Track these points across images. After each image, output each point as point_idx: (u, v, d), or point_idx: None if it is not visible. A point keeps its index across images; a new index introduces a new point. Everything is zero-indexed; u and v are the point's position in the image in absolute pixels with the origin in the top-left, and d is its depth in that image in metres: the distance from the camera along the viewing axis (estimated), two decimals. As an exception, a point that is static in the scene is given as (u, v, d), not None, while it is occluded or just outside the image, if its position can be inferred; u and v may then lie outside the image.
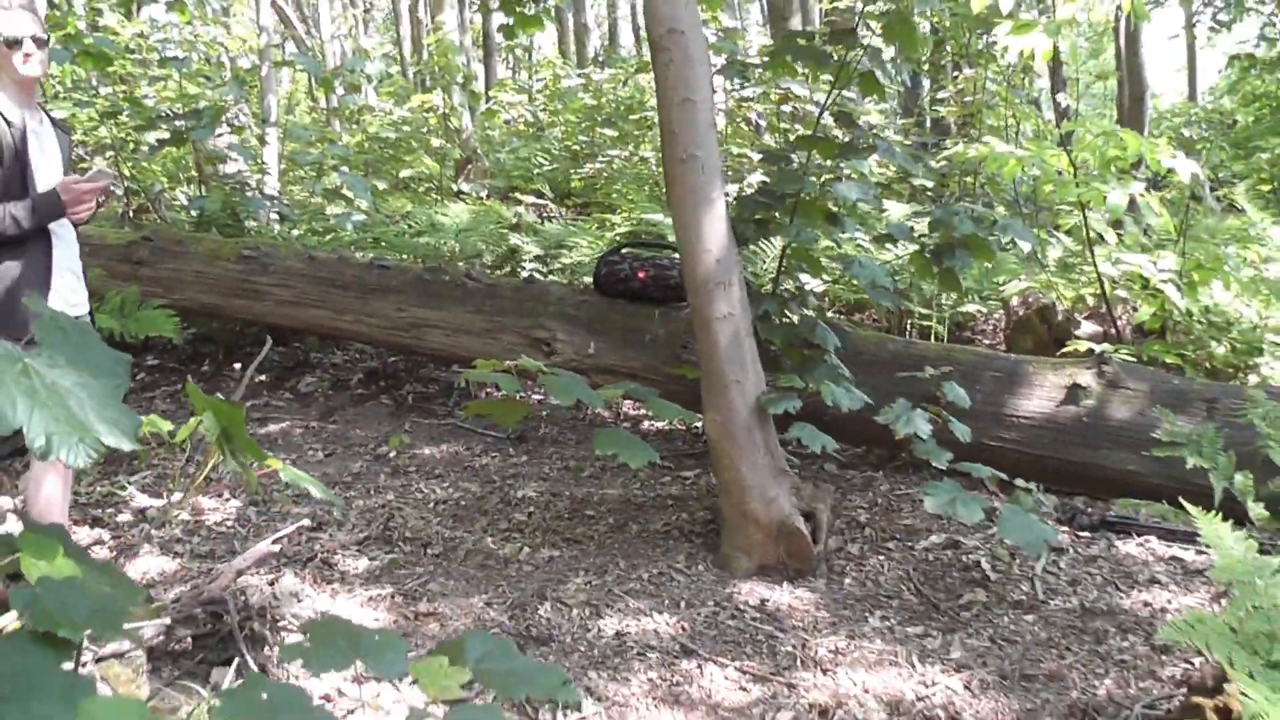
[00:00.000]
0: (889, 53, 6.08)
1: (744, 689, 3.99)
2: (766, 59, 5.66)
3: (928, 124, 15.14)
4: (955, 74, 13.20)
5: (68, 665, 1.47)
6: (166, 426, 3.17)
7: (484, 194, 12.81)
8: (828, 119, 5.96)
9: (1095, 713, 3.76)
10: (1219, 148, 14.37)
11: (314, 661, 1.64)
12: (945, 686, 3.97)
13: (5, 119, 4.19)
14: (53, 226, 4.27)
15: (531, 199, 12.79)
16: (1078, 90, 16.81)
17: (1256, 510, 4.33)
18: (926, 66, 16.24)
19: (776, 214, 5.44)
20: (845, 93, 5.94)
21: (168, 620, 3.84)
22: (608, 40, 26.55)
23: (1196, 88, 20.82)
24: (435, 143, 14.55)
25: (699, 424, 5.85)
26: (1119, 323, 7.56)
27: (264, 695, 1.46)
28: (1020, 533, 4.38)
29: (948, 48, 13.83)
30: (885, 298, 5.61)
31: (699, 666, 4.13)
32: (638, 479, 6.14)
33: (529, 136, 15.58)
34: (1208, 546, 3.01)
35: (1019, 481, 4.88)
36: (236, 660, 3.73)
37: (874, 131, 5.56)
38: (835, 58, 5.37)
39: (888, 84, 17.43)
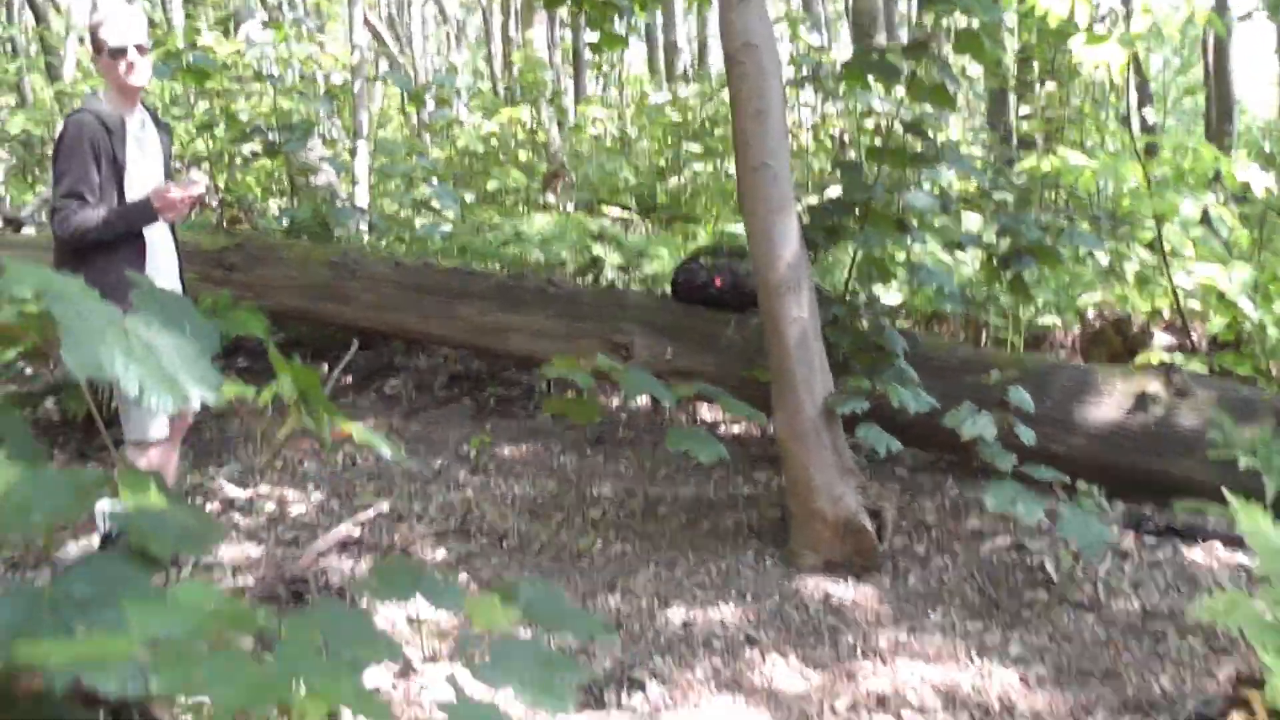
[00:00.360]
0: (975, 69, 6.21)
1: (805, 677, 4.13)
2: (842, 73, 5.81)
3: (1014, 140, 15.14)
4: (1040, 90, 13.21)
5: (157, 579, 1.66)
6: (250, 391, 3.34)
7: (569, 207, 13.01)
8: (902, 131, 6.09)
9: (1150, 708, 3.86)
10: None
11: (380, 592, 1.81)
12: (1002, 680, 4.08)
13: (106, 126, 4.43)
14: (147, 231, 4.50)
15: (616, 212, 12.95)
16: (1164, 106, 16.67)
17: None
18: (1014, 83, 16.28)
19: (848, 223, 5.58)
20: (927, 107, 6.05)
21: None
22: (697, 58, 26.70)
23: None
24: (523, 156, 14.79)
25: (771, 428, 5.99)
26: (1194, 335, 7.59)
27: (330, 615, 1.64)
28: (1079, 532, 4.47)
29: (1034, 64, 13.83)
30: (952, 302, 5.73)
31: (761, 655, 4.27)
32: (711, 480, 6.29)
33: (615, 151, 15.78)
34: (1249, 537, 3.10)
35: (1081, 484, 4.95)
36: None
37: (944, 143, 5.65)
38: (907, 72, 5.51)
39: (975, 100, 17.43)
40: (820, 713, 3.84)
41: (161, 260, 4.63)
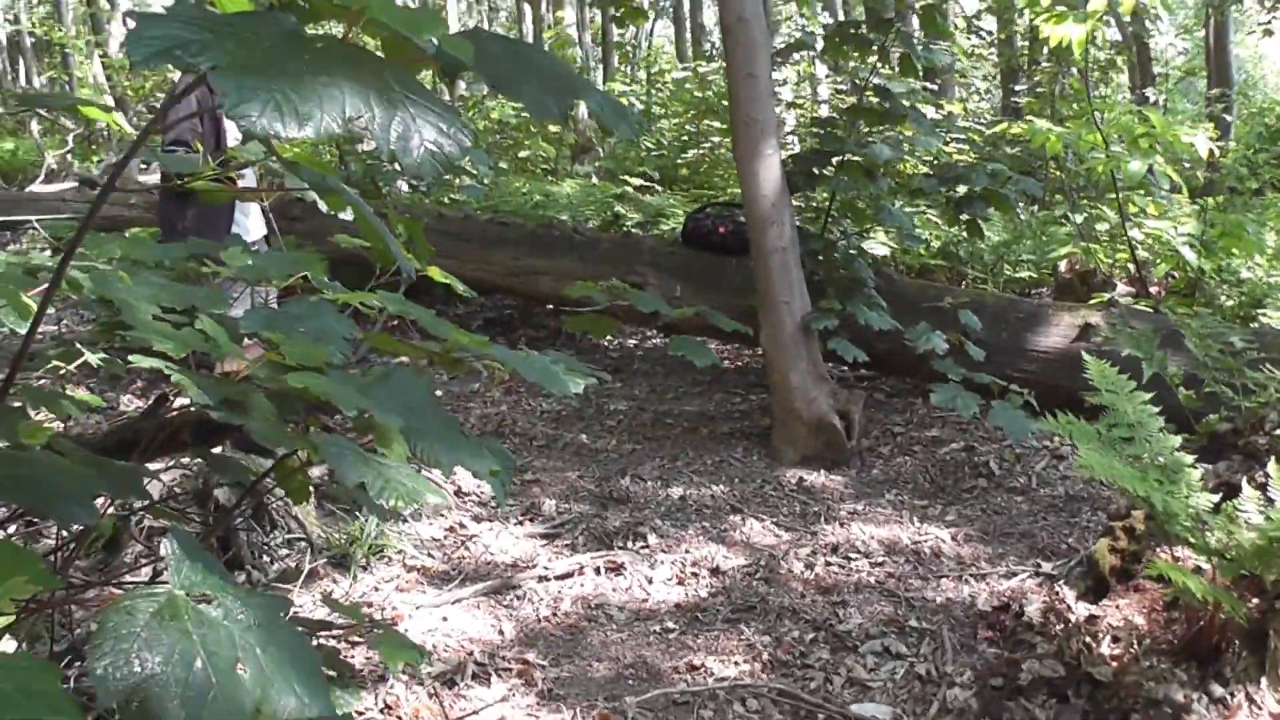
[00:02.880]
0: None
1: (776, 535, 5.09)
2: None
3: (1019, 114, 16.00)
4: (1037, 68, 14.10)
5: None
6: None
7: (594, 176, 13.95)
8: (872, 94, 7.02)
9: (1052, 554, 4.80)
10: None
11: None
12: (935, 536, 5.03)
13: (209, 85, 5.38)
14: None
15: (639, 181, 13.89)
16: (1166, 84, 17.51)
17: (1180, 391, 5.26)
18: (1025, 63, 17.18)
19: (824, 170, 6.53)
20: (930, 85, 6.97)
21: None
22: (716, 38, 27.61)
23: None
24: (552, 128, 15.73)
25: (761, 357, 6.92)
26: (1154, 285, 8.49)
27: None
28: (1007, 421, 5.41)
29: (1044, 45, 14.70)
30: (912, 241, 6.67)
31: (742, 519, 5.24)
32: (711, 399, 7.25)
33: (643, 127, 16.70)
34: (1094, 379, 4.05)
35: (1012, 387, 5.87)
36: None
37: (908, 104, 6.57)
38: (878, 43, 6.47)
39: (979, 83, 18.26)
40: (785, 556, 4.79)
41: (250, 206, 5.54)
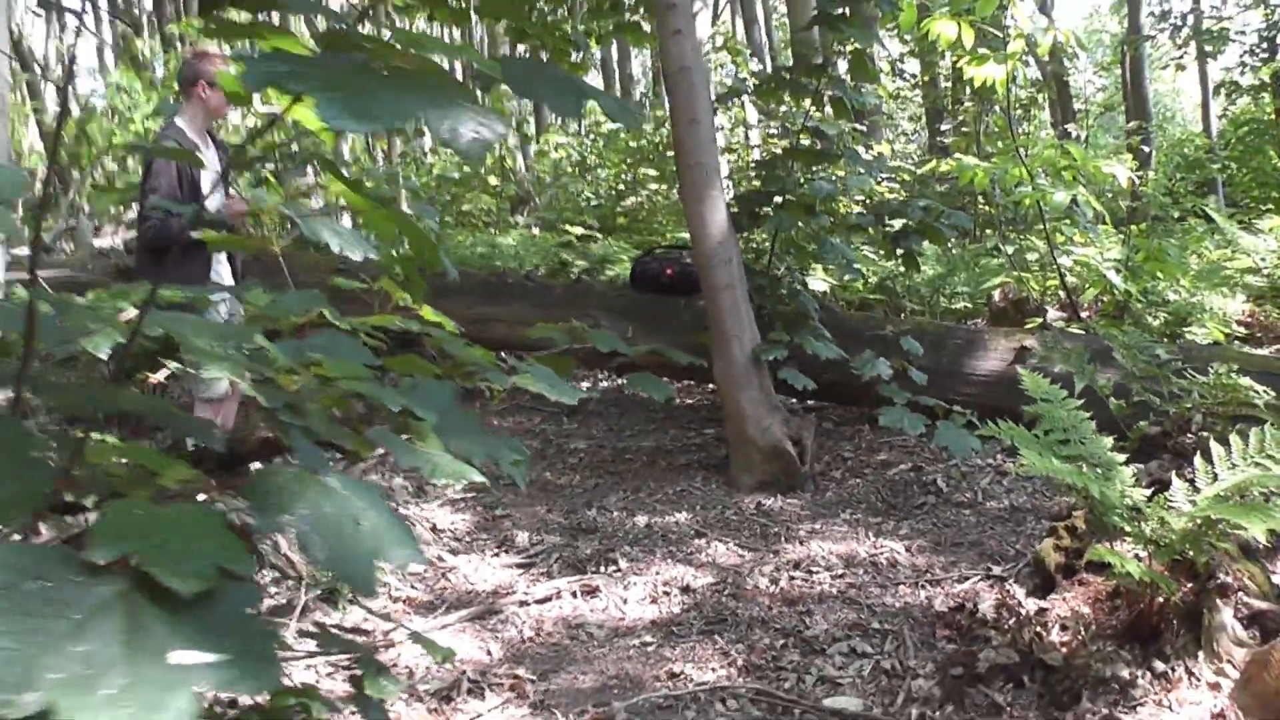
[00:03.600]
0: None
1: (741, 555, 5.35)
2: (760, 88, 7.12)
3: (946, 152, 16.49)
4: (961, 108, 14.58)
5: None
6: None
7: (535, 228, 14.26)
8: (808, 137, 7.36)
9: (1001, 559, 5.10)
10: (1202, 165, 15.76)
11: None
12: (891, 549, 5.31)
13: (197, 147, 5.61)
14: None
15: (580, 230, 14.21)
16: (1088, 120, 18.10)
17: (1111, 401, 5.61)
18: (949, 103, 17.68)
19: (767, 209, 6.86)
20: (859, 127, 7.33)
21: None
22: (652, 87, 28.07)
23: (1210, 116, 21.94)
24: (493, 181, 16.05)
25: (716, 399, 7.20)
26: (1083, 308, 8.89)
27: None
28: (951, 439, 5.73)
29: (968, 86, 15.20)
30: (850, 273, 7.01)
31: (707, 542, 5.50)
32: (667, 434, 7.53)
33: (577, 175, 17.07)
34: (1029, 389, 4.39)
35: (955, 408, 6.20)
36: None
37: (842, 145, 6.93)
38: (811, 88, 6.83)
39: (906, 124, 18.72)
40: (750, 573, 5.05)
41: (223, 257, 5.79)
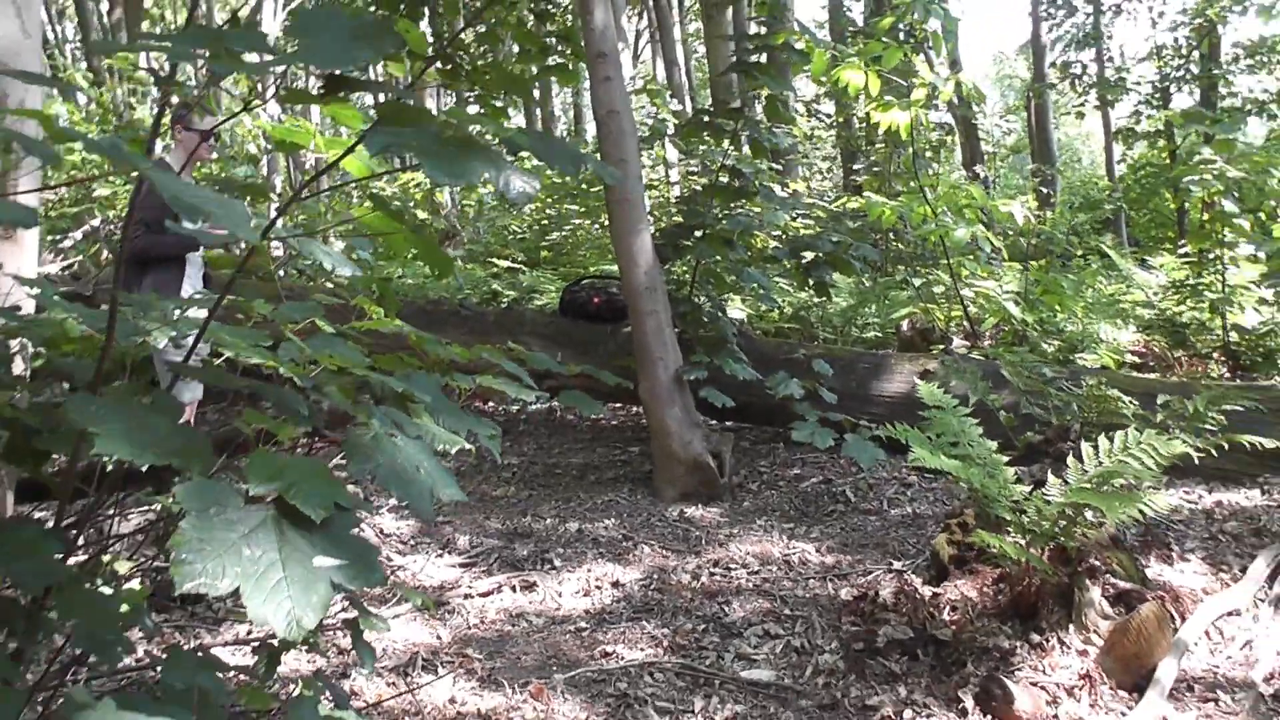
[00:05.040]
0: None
1: (665, 556, 5.81)
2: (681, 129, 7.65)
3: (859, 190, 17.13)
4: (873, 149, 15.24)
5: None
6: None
7: (460, 260, 14.66)
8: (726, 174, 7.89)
9: (902, 556, 5.60)
10: (1101, 205, 16.58)
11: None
12: (802, 549, 5.81)
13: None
14: (190, 256, 6.14)
15: (506, 263, 14.64)
16: (994, 162, 18.92)
17: (1002, 414, 6.16)
18: (863, 144, 18.36)
19: (689, 242, 7.38)
20: (775, 166, 7.85)
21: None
22: (573, 125, 28.68)
23: (1113, 160, 22.86)
24: (421, 215, 16.44)
25: (640, 420, 7.67)
26: (984, 336, 9.49)
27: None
28: (858, 452, 6.25)
29: (879, 128, 15.84)
30: (765, 301, 7.54)
31: (635, 545, 5.96)
32: (595, 452, 8.00)
33: (503, 210, 17.51)
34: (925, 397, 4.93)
35: (862, 422, 6.71)
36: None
37: (759, 183, 7.49)
38: (730, 130, 7.37)
39: (820, 163, 19.31)
40: (674, 571, 5.52)
41: (193, 271, 6.21)
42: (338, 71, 1.88)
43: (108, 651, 1.99)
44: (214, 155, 6.17)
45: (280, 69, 2.02)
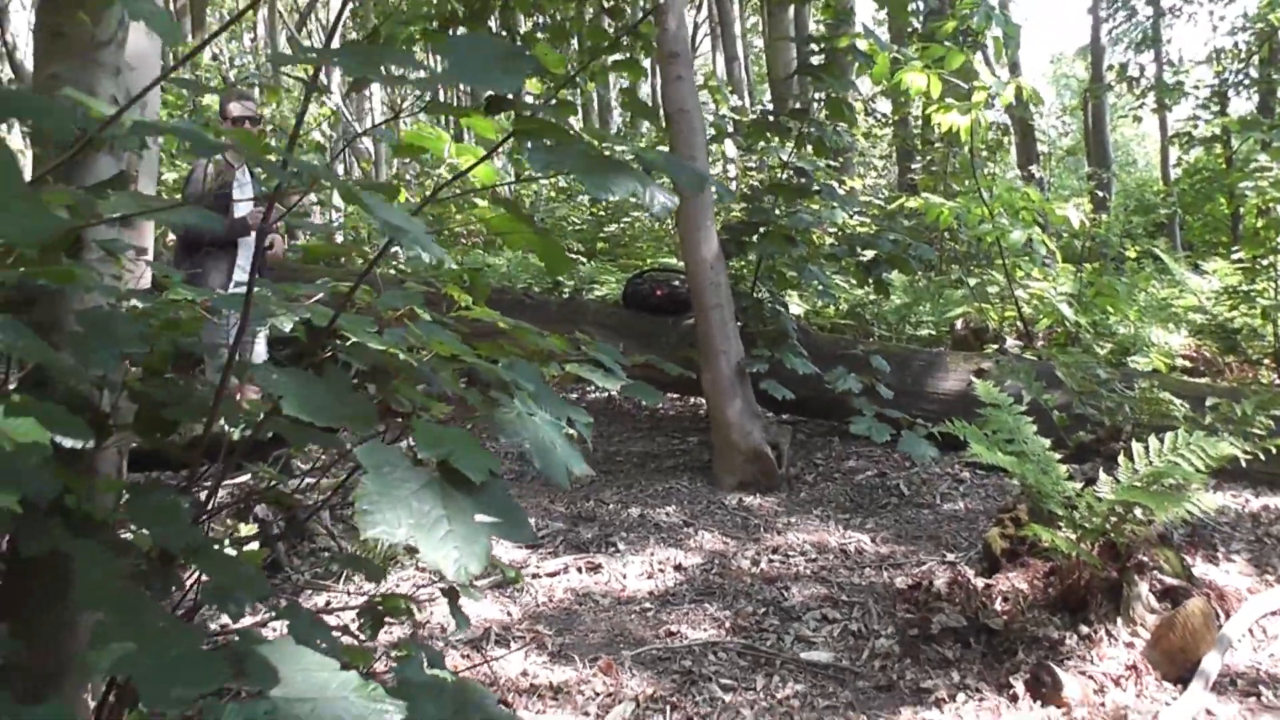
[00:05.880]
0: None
1: (725, 542, 6.03)
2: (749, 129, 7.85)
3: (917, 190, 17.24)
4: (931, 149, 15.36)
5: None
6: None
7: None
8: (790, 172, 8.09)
9: (954, 549, 5.79)
10: (1156, 209, 16.64)
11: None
12: (858, 539, 6.00)
13: (222, 171, 6.32)
14: (241, 240, 6.39)
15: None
16: (1049, 163, 19.00)
17: (1055, 414, 6.33)
18: (919, 143, 18.48)
19: (752, 238, 7.58)
20: (833, 164, 8.05)
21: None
22: (628, 117, 28.90)
23: (1169, 164, 22.83)
24: (480, 204, 16.67)
25: (699, 410, 7.88)
26: (1038, 337, 9.64)
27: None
28: (912, 447, 6.43)
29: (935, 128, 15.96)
30: (825, 298, 7.74)
31: (695, 531, 6.18)
32: (654, 441, 8.21)
33: (561, 200, 17.76)
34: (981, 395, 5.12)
35: (918, 421, 6.89)
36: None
37: (823, 181, 7.69)
38: (794, 129, 7.57)
39: (877, 161, 19.45)
40: (734, 556, 5.74)
41: (243, 258, 6.45)
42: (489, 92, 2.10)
43: (236, 606, 2.22)
44: (264, 140, 6.42)
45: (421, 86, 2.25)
